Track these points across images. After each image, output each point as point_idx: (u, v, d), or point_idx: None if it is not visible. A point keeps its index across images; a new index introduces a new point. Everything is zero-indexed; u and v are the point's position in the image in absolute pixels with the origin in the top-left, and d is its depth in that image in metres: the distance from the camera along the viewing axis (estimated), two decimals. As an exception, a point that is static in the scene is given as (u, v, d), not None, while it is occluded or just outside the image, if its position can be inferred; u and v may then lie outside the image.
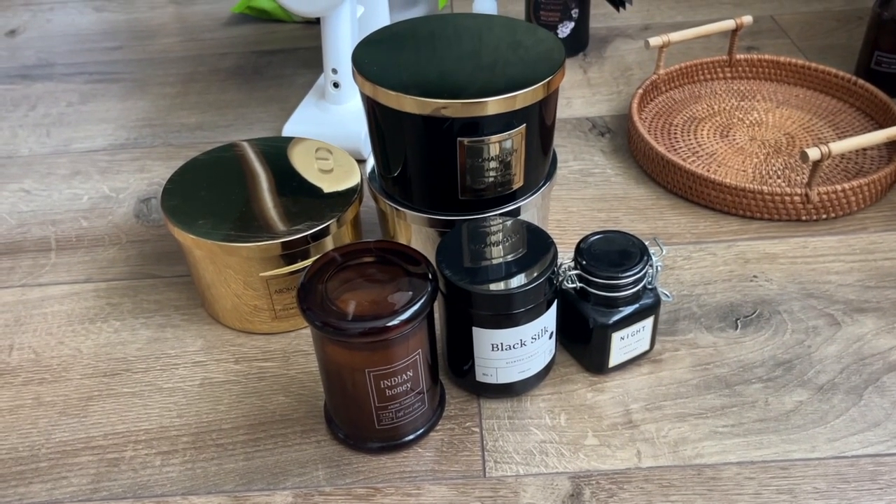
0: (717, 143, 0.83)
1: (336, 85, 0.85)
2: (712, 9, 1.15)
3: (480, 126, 0.57)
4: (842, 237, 0.71)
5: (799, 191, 0.71)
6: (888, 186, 0.75)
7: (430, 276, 0.52)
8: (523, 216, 0.63)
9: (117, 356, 0.64)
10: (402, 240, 0.66)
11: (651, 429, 0.56)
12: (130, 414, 0.59)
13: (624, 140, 0.86)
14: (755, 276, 0.68)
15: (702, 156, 0.82)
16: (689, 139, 0.84)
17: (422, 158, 0.60)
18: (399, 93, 0.56)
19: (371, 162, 0.68)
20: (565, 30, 0.99)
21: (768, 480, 0.52)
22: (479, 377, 0.57)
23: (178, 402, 0.60)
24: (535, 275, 0.52)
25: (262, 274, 0.61)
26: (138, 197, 0.82)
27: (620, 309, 0.57)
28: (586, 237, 0.58)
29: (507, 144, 0.58)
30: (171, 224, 0.61)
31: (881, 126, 0.84)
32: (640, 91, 0.87)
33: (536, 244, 0.55)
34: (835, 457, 0.53)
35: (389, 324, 0.48)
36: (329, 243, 0.62)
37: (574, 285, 0.57)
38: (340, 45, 0.82)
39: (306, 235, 0.60)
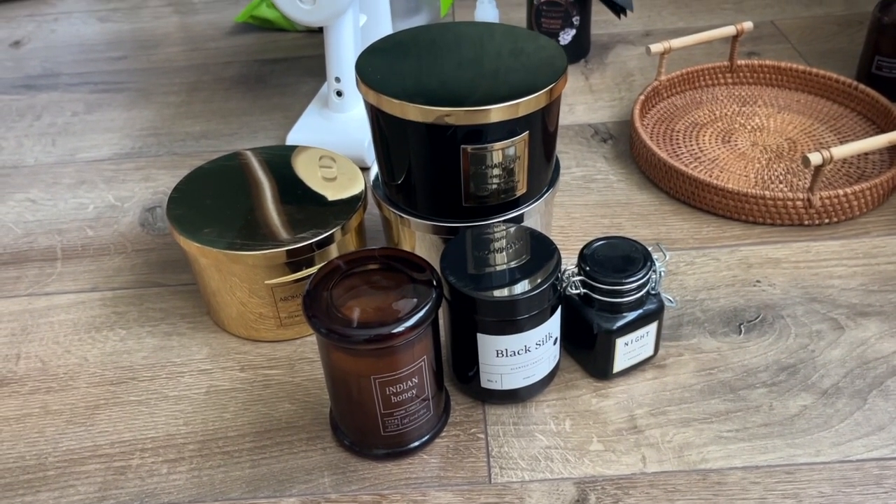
0: (719, 149, 0.84)
1: (339, 93, 0.86)
2: (713, 14, 1.15)
3: (484, 133, 0.57)
4: (844, 241, 0.71)
5: (801, 196, 0.72)
6: (890, 190, 0.75)
7: (434, 282, 0.52)
8: (527, 223, 0.64)
9: (123, 364, 0.64)
10: (407, 247, 0.67)
11: (656, 434, 0.56)
12: (137, 422, 0.59)
13: (626, 146, 0.87)
14: (758, 281, 0.68)
15: (704, 161, 0.82)
16: (691, 145, 0.85)
17: (425, 166, 0.60)
18: (402, 101, 0.56)
19: (375, 169, 0.68)
20: (567, 37, 1.00)
21: (773, 485, 0.52)
22: (484, 383, 0.57)
23: (184, 410, 0.60)
24: (539, 281, 0.53)
25: (267, 282, 0.61)
26: (143, 206, 0.82)
27: (624, 314, 0.57)
28: (590, 243, 0.58)
29: (511, 151, 0.59)
30: (176, 233, 0.62)
31: (882, 130, 0.84)
32: (642, 97, 0.87)
33: (540, 250, 0.55)
34: (840, 461, 0.53)
35: (394, 330, 0.48)
36: (334, 251, 0.63)
37: (578, 291, 0.57)
38: (343, 54, 0.83)
39: (311, 243, 0.60)
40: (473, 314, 0.54)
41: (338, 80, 0.85)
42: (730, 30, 0.89)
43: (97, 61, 1.13)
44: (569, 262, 0.59)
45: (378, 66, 0.61)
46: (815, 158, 0.69)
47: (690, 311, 0.65)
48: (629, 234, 0.74)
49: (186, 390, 0.62)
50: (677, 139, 0.86)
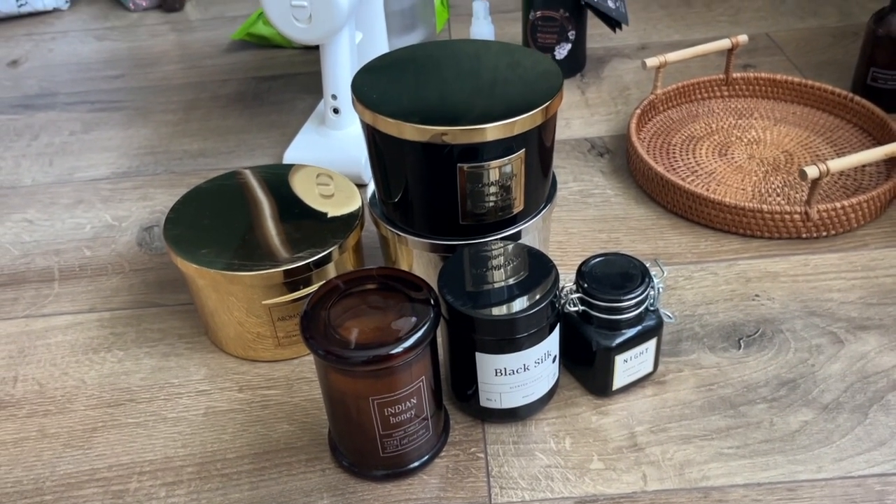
0: (716, 162, 0.84)
1: (336, 111, 0.86)
2: (708, 26, 1.16)
3: (480, 152, 0.57)
4: (843, 254, 0.71)
5: (799, 209, 0.72)
6: (887, 203, 0.75)
7: (432, 301, 0.52)
8: (524, 239, 0.64)
9: (121, 386, 0.64)
10: (404, 264, 0.67)
11: (656, 451, 0.56)
12: (135, 445, 0.59)
13: (623, 160, 0.87)
14: (757, 295, 0.68)
15: (701, 175, 0.82)
16: (688, 158, 0.85)
17: (422, 184, 0.60)
18: (399, 120, 0.57)
19: (372, 187, 0.68)
20: (563, 51, 1.00)
21: (775, 502, 0.52)
22: (483, 402, 0.57)
23: (182, 432, 0.60)
24: (538, 299, 0.53)
25: (264, 302, 0.61)
26: (141, 225, 0.82)
27: (623, 331, 0.57)
28: (587, 260, 0.58)
29: (507, 169, 0.59)
30: (173, 254, 0.62)
31: (879, 142, 0.84)
32: (639, 111, 0.87)
33: (538, 268, 0.55)
34: (841, 477, 0.53)
35: (392, 351, 0.48)
36: (331, 270, 0.63)
37: (576, 308, 0.57)
38: (340, 72, 0.83)
39: (308, 263, 0.60)
40: (472, 333, 0.53)
41: (334, 97, 0.85)
42: (725, 43, 0.89)
43: (94, 80, 1.13)
44: (567, 278, 0.59)
45: (374, 85, 0.61)
46: (812, 172, 0.69)
47: (689, 327, 0.65)
48: (627, 249, 0.74)
49: (185, 412, 0.61)
50: (674, 153, 0.86)
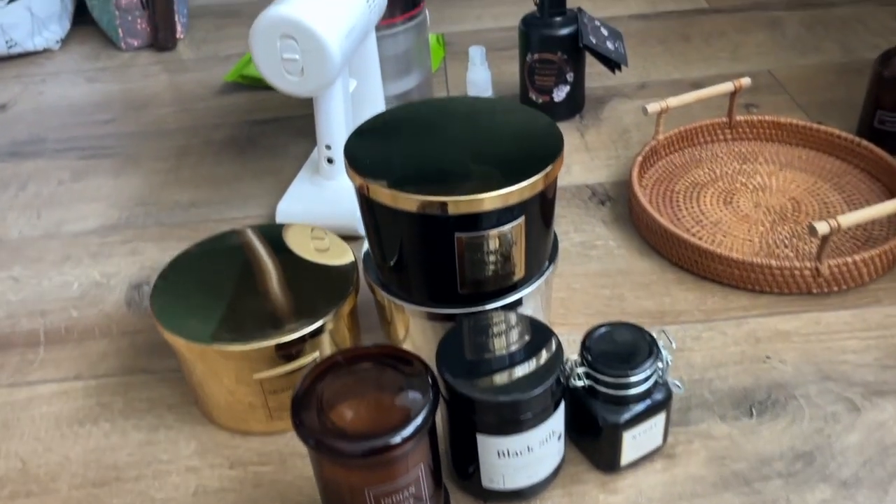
0: (721, 211, 0.81)
1: (330, 160, 0.84)
2: (708, 63, 1.14)
3: (478, 221, 0.55)
4: (855, 311, 0.69)
5: (809, 264, 0.69)
6: (900, 254, 0.73)
7: (430, 381, 0.49)
8: (527, 303, 0.61)
9: (107, 463, 0.61)
10: (401, 330, 0.64)
11: (668, 534, 0.53)
12: (121, 529, 0.56)
13: (625, 208, 0.84)
14: (768, 357, 0.65)
15: (706, 225, 0.80)
16: (692, 207, 0.82)
17: (419, 253, 0.58)
18: (394, 189, 0.54)
19: (366, 245, 0.66)
20: (561, 93, 0.98)
21: (795, 592, 0.49)
22: (486, 483, 0.54)
23: (170, 515, 0.57)
24: (541, 379, 0.50)
25: (256, 376, 0.59)
26: (130, 282, 0.80)
27: (630, 406, 0.54)
28: (592, 331, 0.56)
29: (507, 237, 0.56)
30: (160, 326, 0.59)
31: (888, 188, 0.82)
32: (640, 158, 0.85)
33: (541, 343, 0.53)
34: (864, 562, 0.51)
35: (390, 442, 0.46)
36: (325, 340, 0.60)
37: (582, 383, 0.54)
38: (334, 121, 0.81)
39: (302, 335, 0.58)
40: (472, 414, 0.51)
41: (328, 147, 0.83)
42: (728, 86, 0.87)
43: (85, 125, 1.11)
44: (571, 339, 0.57)
45: (367, 149, 0.59)
46: (823, 228, 0.67)
47: (699, 393, 0.63)
48: (631, 305, 0.72)
49: (174, 492, 0.59)
50: (677, 200, 0.83)
